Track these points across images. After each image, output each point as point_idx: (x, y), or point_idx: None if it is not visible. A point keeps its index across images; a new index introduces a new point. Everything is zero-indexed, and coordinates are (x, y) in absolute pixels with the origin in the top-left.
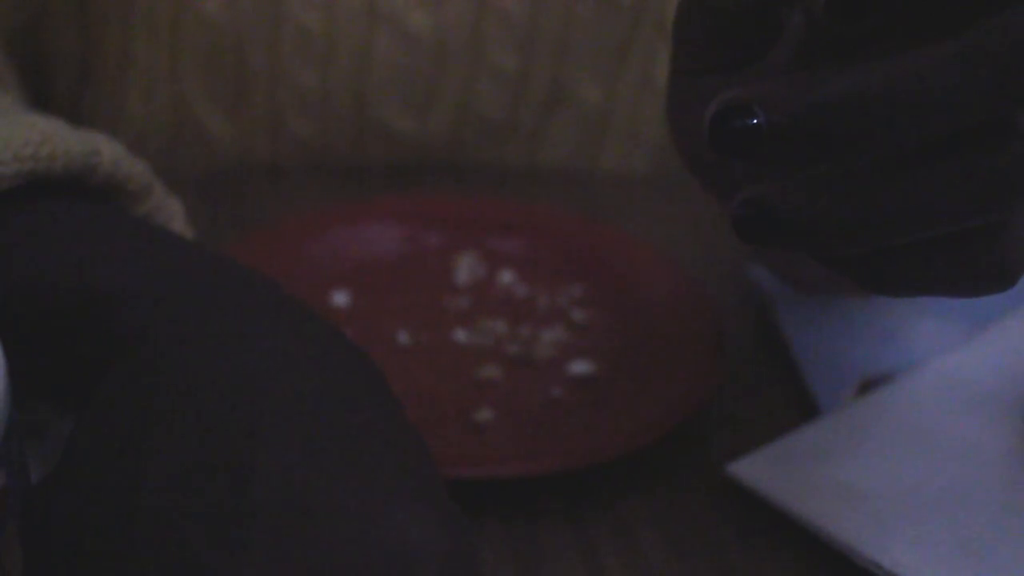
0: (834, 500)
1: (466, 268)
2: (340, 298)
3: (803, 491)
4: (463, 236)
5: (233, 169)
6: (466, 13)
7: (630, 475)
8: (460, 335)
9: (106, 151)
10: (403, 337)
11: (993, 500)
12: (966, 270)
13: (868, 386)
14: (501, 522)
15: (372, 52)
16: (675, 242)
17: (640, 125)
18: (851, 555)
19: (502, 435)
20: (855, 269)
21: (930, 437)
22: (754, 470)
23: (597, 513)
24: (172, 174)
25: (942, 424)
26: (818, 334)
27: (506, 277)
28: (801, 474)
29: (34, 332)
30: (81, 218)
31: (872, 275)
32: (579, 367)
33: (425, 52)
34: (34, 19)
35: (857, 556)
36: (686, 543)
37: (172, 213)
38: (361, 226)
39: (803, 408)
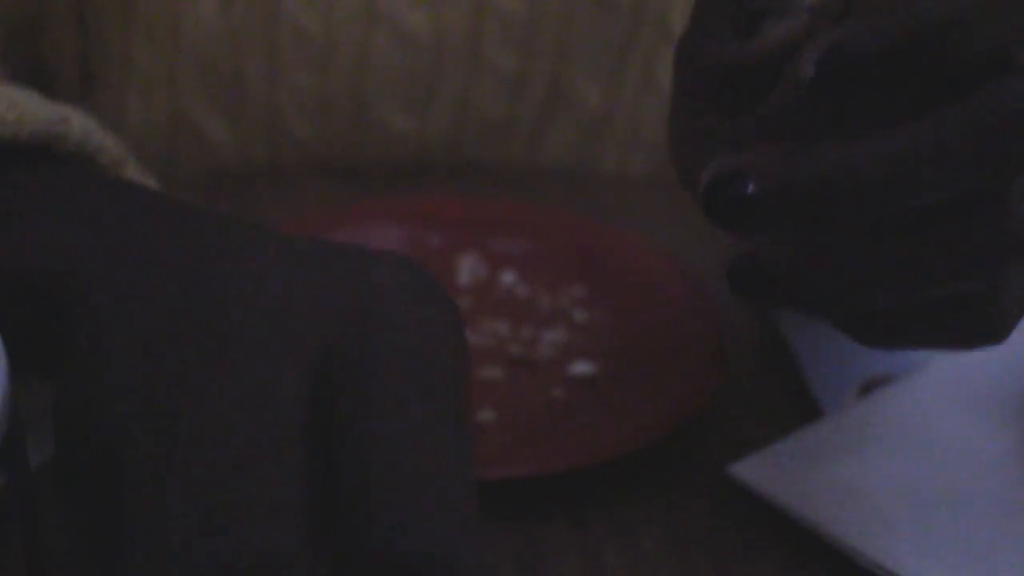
0: (836, 501)
1: (467, 269)
2: None
3: (805, 492)
4: (464, 237)
5: (234, 170)
6: (465, 14)
7: (631, 475)
8: None
9: (76, 120)
10: None
11: (995, 501)
12: (959, 328)
13: (870, 387)
14: (502, 522)
15: (370, 53)
16: (675, 242)
17: (641, 125)
18: (853, 556)
19: (503, 435)
20: (848, 323)
21: (932, 438)
22: (755, 471)
23: (598, 513)
24: (172, 176)
25: (944, 425)
26: (819, 335)
27: (507, 278)
28: (803, 475)
29: (7, 314)
30: (47, 185)
31: (865, 330)
32: (580, 367)
33: (423, 52)
34: (32, 22)
35: (859, 557)
36: (687, 543)
37: None
38: (362, 227)
39: (804, 409)
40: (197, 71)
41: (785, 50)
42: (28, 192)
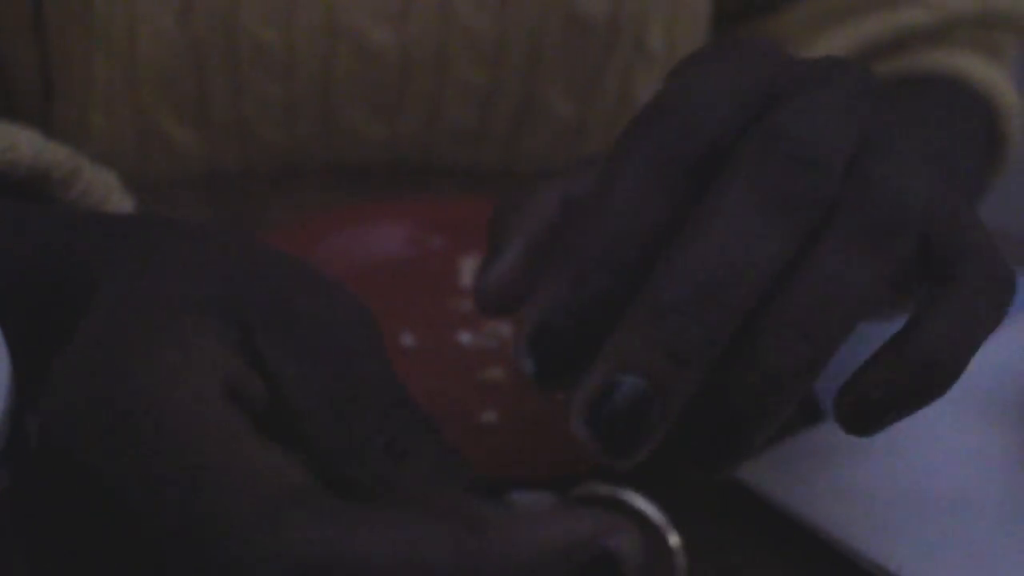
0: (837, 502)
1: (470, 270)
2: None
3: (806, 493)
4: (467, 238)
5: (236, 172)
6: (430, 29)
7: (633, 477)
8: (464, 337)
9: (24, 145)
10: (408, 339)
11: (996, 502)
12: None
13: None
14: None
15: (334, 66)
16: None
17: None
18: (855, 558)
19: (506, 437)
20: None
21: (933, 439)
22: (758, 472)
23: None
24: (171, 178)
25: (945, 426)
26: None
27: None
28: (804, 476)
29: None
30: None
31: (850, 423)
32: None
33: (389, 66)
34: None
35: (860, 558)
36: (689, 545)
37: (106, 189)
38: (366, 228)
39: (807, 410)
40: (158, 82)
41: (505, 294)
42: None
